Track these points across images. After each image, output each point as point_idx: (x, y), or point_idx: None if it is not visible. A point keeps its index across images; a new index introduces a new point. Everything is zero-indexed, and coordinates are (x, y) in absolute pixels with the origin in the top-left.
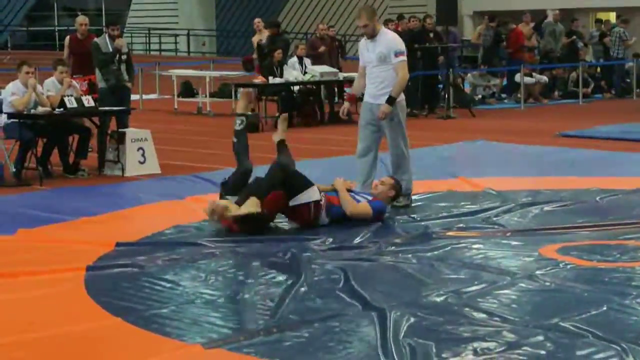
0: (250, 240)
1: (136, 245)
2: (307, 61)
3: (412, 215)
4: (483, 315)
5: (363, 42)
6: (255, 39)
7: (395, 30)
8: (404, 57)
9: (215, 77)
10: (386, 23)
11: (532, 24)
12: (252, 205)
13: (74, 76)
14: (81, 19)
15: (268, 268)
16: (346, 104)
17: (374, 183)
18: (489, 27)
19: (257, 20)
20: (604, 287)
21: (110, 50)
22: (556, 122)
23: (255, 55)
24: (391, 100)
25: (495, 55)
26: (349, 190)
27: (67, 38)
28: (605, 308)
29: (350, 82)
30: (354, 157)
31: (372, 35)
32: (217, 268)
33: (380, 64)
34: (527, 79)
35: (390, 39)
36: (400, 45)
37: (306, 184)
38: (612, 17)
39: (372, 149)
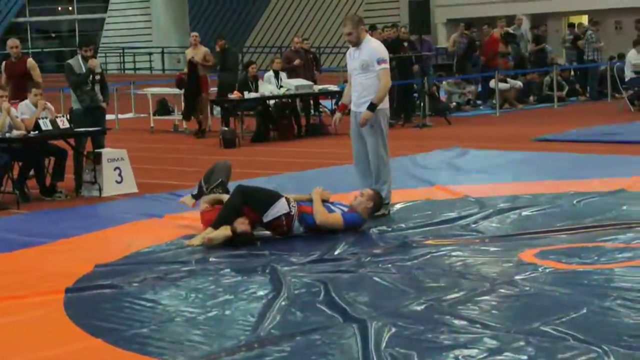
0: (230, 256)
1: (115, 266)
2: (283, 75)
3: (391, 225)
4: (464, 323)
5: (349, 51)
6: (188, 54)
7: None
8: (387, 65)
9: None
10: None
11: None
12: (224, 230)
13: (12, 101)
14: (11, 42)
15: (248, 283)
16: (337, 115)
17: (354, 194)
18: (463, 35)
19: (193, 34)
20: (583, 289)
21: (84, 70)
22: (532, 127)
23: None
24: (372, 107)
25: (469, 62)
26: (326, 201)
27: (3, 63)
28: (585, 311)
29: (325, 94)
30: (336, 167)
31: (357, 44)
32: (196, 285)
33: (363, 72)
34: (502, 85)
35: (373, 47)
36: (384, 53)
37: (271, 199)
38: (584, 20)
39: (363, 155)
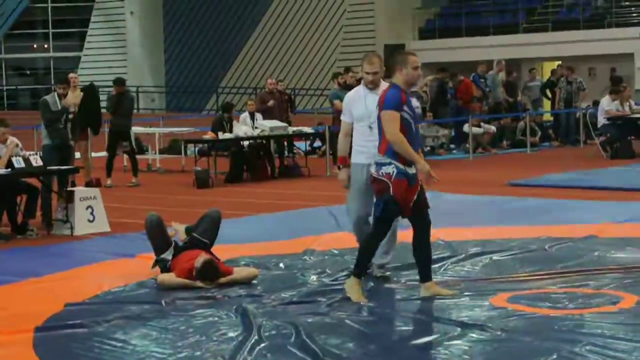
0: (200, 297)
1: (85, 305)
2: (258, 116)
3: None
4: None
5: (355, 95)
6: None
7: (345, 84)
8: None
9: (165, 133)
10: (335, 76)
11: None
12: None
13: None
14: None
15: (219, 324)
16: (345, 172)
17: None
18: (435, 78)
19: (72, 75)
20: (554, 335)
21: (59, 108)
22: (505, 171)
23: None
24: None
25: (442, 104)
26: None
27: None
28: (555, 356)
29: (299, 136)
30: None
31: (377, 86)
32: (167, 325)
33: None
34: (476, 129)
35: None
36: None
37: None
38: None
39: (365, 215)
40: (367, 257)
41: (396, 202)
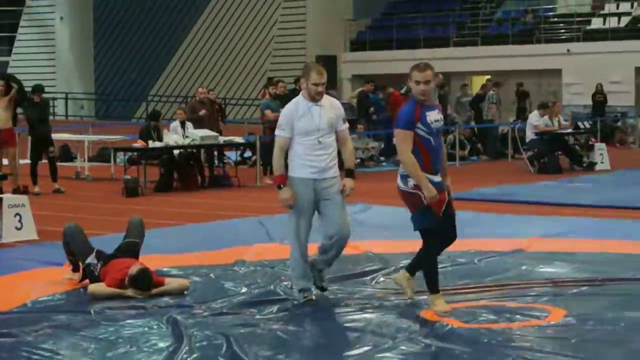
0: (131, 307)
1: (13, 314)
2: (189, 125)
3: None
4: None
5: (296, 108)
6: None
7: (276, 95)
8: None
9: (94, 141)
10: (267, 87)
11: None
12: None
13: None
14: None
15: (149, 334)
16: (288, 192)
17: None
18: (362, 91)
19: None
20: (483, 348)
21: None
22: None
23: None
24: (353, 174)
25: (362, 117)
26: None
27: None
28: None
29: (230, 146)
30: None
31: (321, 98)
32: (97, 335)
33: (330, 132)
34: None
35: (338, 104)
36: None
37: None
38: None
39: (308, 234)
40: (432, 270)
41: (433, 210)
